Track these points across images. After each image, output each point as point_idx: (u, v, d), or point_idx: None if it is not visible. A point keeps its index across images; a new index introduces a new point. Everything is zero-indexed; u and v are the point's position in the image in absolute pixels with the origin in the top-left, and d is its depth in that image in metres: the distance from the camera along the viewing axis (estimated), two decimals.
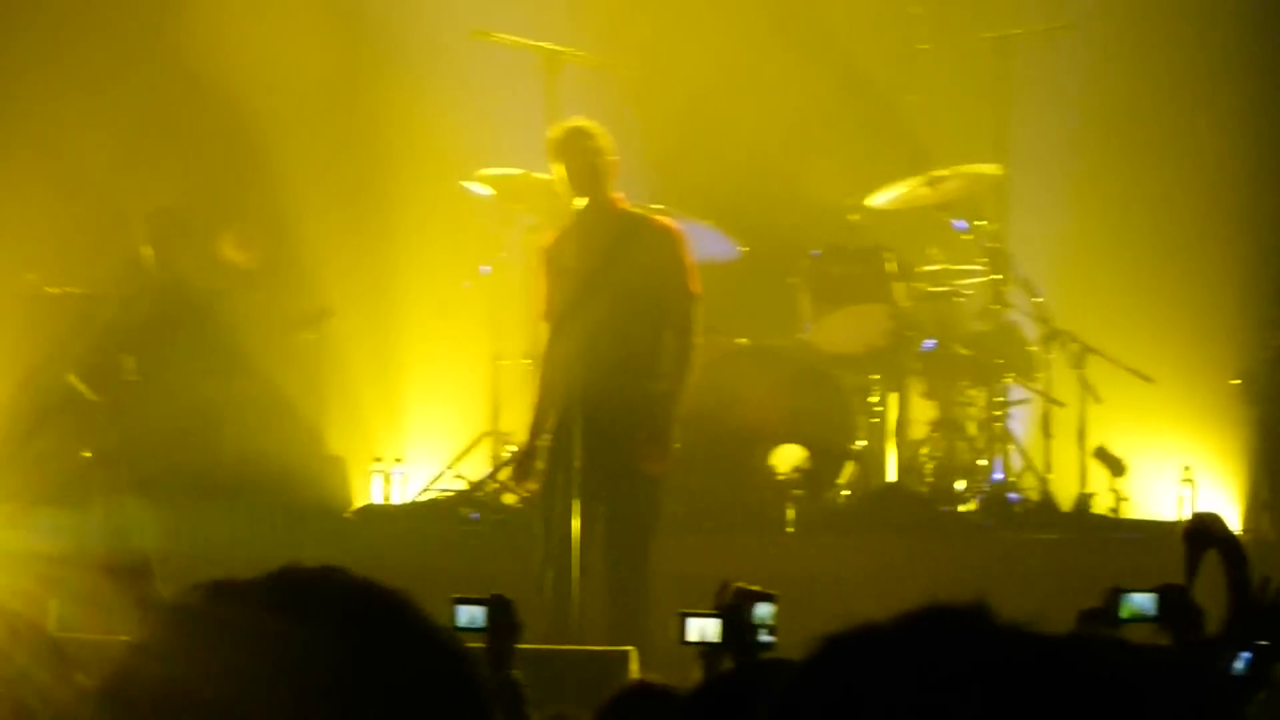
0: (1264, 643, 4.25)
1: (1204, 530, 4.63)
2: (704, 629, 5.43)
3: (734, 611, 5.40)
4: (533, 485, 8.75)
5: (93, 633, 5.90)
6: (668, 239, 8.76)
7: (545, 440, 8.69)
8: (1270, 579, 4.54)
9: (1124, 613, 4.62)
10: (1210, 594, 4.58)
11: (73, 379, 9.69)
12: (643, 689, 4.22)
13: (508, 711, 5.10)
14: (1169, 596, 4.55)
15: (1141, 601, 4.63)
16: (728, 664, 5.40)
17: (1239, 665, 4.20)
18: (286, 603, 1.77)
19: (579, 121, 8.77)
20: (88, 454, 9.51)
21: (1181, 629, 4.46)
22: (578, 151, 8.59)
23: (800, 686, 1.58)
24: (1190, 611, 4.50)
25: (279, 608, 1.76)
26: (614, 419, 8.44)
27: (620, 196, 8.77)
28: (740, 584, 5.53)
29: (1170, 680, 1.56)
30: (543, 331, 9.05)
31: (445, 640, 1.81)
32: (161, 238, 9.90)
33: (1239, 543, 4.57)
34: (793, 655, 4.84)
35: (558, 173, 8.70)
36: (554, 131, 8.80)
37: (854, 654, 1.56)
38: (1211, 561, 4.57)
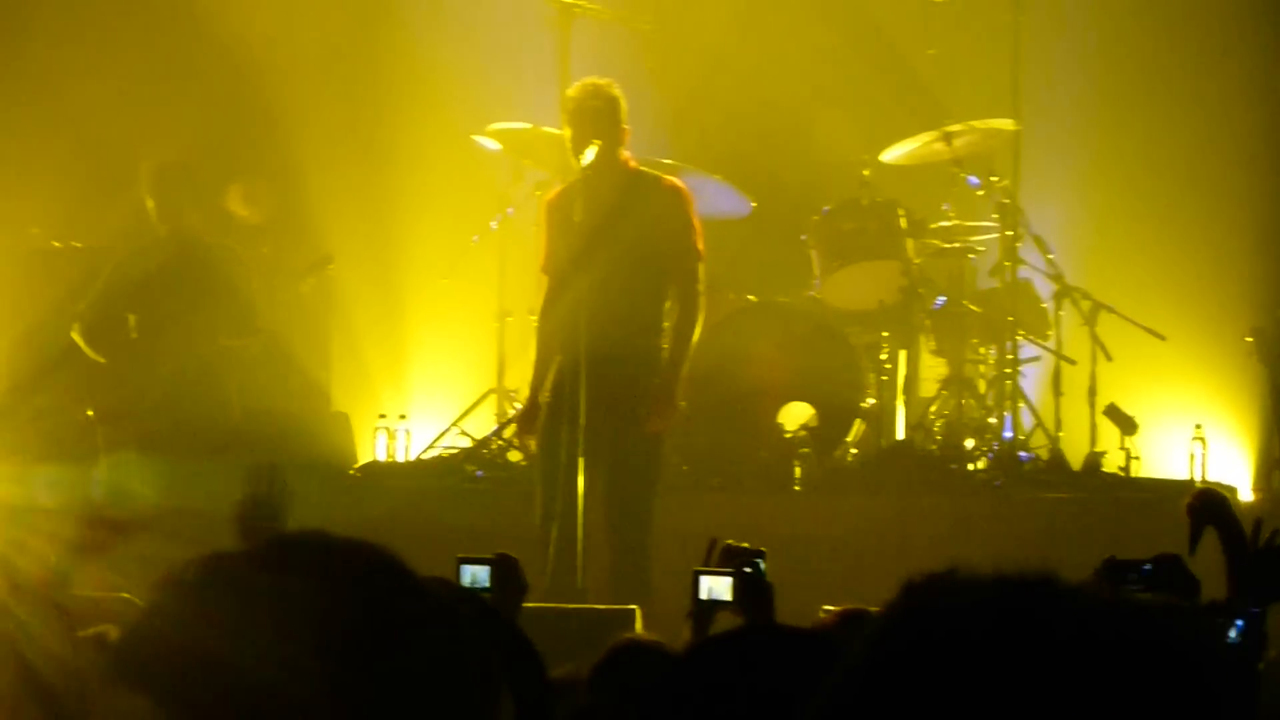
0: (1255, 610, 4.25)
1: (1206, 506, 4.66)
2: (714, 587, 5.40)
3: (748, 568, 5.37)
4: (533, 441, 8.69)
5: (93, 589, 5.86)
6: (674, 197, 8.70)
7: (546, 395, 8.63)
8: (1277, 532, 4.54)
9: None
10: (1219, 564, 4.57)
11: (75, 336, 9.62)
12: (633, 646, 4.17)
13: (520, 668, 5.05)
14: (1163, 566, 4.53)
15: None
16: (721, 623, 5.37)
17: (1232, 635, 4.20)
18: (286, 564, 1.82)
19: (591, 80, 8.68)
20: (90, 412, 9.45)
21: (1177, 597, 4.42)
22: (588, 108, 8.51)
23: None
24: (1185, 581, 4.47)
25: (279, 569, 1.81)
26: (616, 376, 8.39)
27: (629, 156, 8.69)
28: (729, 541, 5.50)
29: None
30: (544, 285, 8.99)
31: (439, 596, 1.85)
32: (164, 192, 9.82)
33: (1237, 521, 4.58)
34: (791, 612, 4.79)
35: (568, 131, 8.61)
36: (572, 90, 8.71)
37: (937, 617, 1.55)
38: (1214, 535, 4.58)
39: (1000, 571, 1.58)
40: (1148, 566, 4.57)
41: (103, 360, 9.59)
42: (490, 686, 1.85)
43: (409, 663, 1.77)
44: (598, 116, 8.47)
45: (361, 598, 1.79)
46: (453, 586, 4.95)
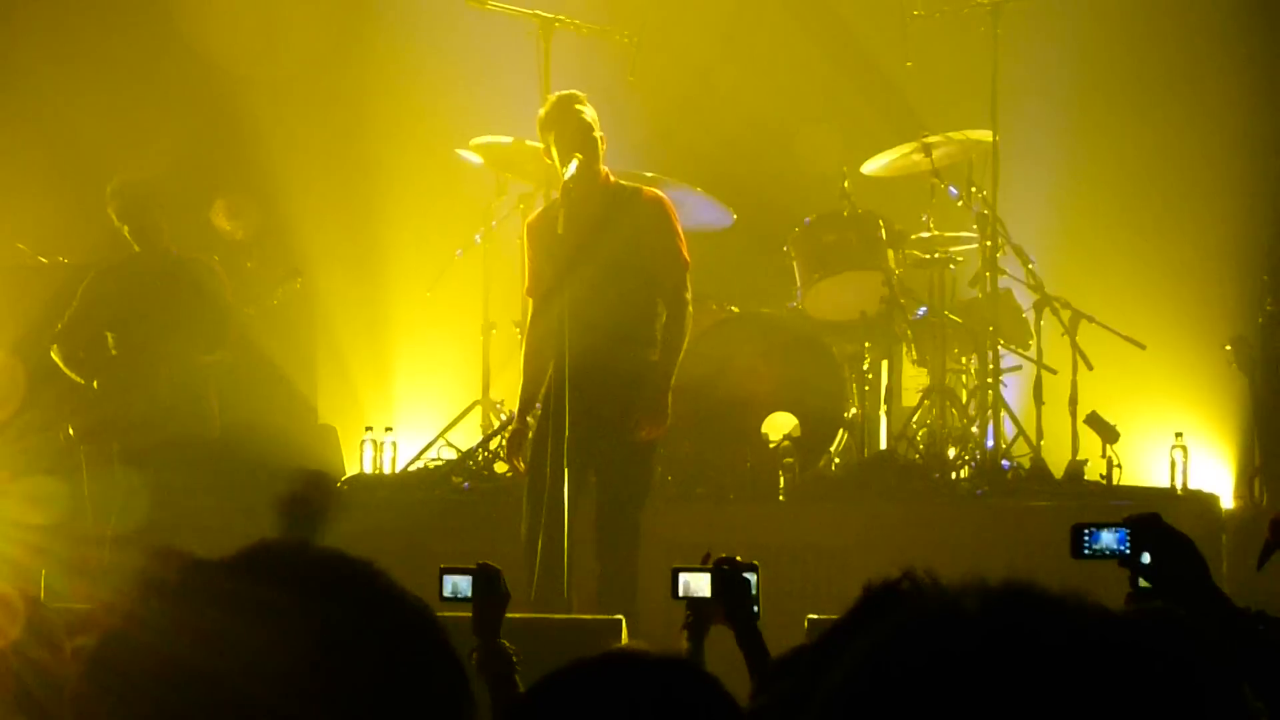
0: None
1: None
2: (692, 583, 5.47)
3: (726, 567, 5.43)
4: (522, 461, 8.67)
5: (81, 602, 5.88)
6: (656, 208, 8.72)
7: (535, 415, 8.65)
8: None
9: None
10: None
11: (54, 357, 9.64)
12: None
13: (497, 679, 5.10)
14: (1141, 528, 4.53)
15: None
16: (716, 630, 5.42)
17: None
18: (264, 574, 1.81)
19: (568, 92, 8.71)
20: (70, 430, 9.46)
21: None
22: (569, 119, 8.53)
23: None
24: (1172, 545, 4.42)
25: (257, 579, 1.80)
26: (608, 388, 8.40)
27: (607, 170, 8.71)
28: (723, 555, 5.55)
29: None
30: (529, 306, 9.02)
31: (418, 608, 1.85)
32: (127, 210, 9.79)
33: None
34: (775, 620, 4.81)
35: (547, 145, 8.61)
36: (544, 105, 8.74)
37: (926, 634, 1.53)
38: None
39: (982, 583, 1.57)
40: (1124, 531, 4.55)
41: (82, 381, 9.60)
42: (468, 699, 1.86)
43: (389, 674, 1.77)
44: (578, 130, 8.50)
45: (341, 608, 1.78)
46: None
